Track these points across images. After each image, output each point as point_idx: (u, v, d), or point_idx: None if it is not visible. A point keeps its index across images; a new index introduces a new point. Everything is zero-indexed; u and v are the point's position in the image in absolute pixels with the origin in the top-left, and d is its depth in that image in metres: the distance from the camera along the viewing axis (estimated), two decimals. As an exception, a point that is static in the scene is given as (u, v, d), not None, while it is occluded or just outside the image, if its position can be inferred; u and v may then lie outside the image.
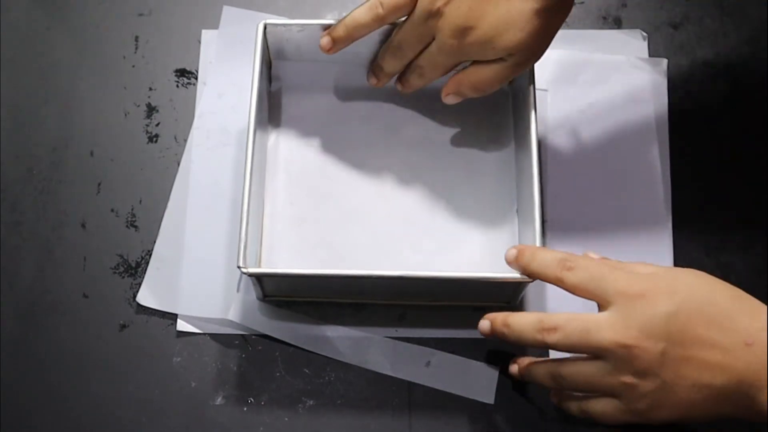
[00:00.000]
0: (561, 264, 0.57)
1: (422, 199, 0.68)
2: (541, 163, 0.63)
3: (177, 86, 0.73)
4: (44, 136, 0.71)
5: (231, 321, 0.64)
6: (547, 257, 0.58)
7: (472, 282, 0.61)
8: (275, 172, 0.69)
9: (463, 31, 0.61)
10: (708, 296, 0.54)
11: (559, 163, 0.70)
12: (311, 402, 0.64)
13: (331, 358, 0.64)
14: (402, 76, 0.67)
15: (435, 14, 0.61)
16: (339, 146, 0.70)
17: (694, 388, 0.53)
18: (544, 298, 0.65)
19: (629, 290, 0.54)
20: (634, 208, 0.68)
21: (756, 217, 0.68)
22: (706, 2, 0.76)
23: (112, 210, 0.69)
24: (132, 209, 0.69)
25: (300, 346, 0.65)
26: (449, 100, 0.66)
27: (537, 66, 0.65)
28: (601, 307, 0.55)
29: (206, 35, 0.74)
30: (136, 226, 0.69)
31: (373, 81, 0.69)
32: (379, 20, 0.63)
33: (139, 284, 0.67)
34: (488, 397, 0.63)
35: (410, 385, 0.64)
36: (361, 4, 0.64)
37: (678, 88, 0.72)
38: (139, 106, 0.72)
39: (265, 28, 0.67)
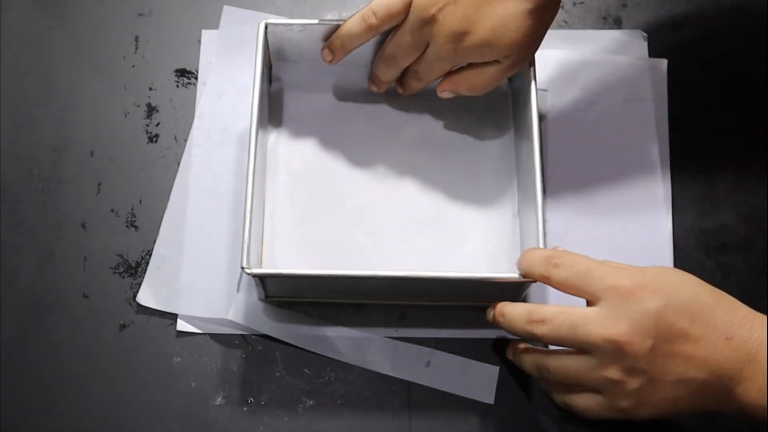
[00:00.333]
0: (547, 261, 0.57)
1: (423, 198, 0.68)
2: (543, 162, 0.63)
3: (177, 86, 0.73)
4: (44, 136, 0.71)
5: (231, 321, 0.64)
6: (536, 255, 0.59)
7: (472, 282, 0.61)
8: (276, 172, 0.69)
9: (459, 37, 0.61)
10: (691, 293, 0.54)
11: (558, 163, 0.70)
12: (311, 402, 0.64)
13: (331, 358, 0.64)
14: (401, 80, 0.68)
15: (429, 21, 0.61)
16: (339, 146, 0.70)
17: (679, 384, 0.53)
18: (546, 299, 0.65)
19: (618, 286, 0.54)
20: (634, 208, 0.68)
21: (756, 217, 0.68)
22: (706, 2, 0.76)
23: (112, 210, 0.69)
24: (132, 209, 0.69)
25: (300, 346, 0.65)
26: (444, 95, 0.67)
27: (537, 66, 0.65)
28: (590, 303, 0.56)
29: (206, 35, 0.74)
30: (136, 226, 0.69)
31: (374, 88, 0.69)
32: (372, 30, 0.64)
33: (139, 284, 0.67)
34: (488, 397, 0.63)
35: (410, 385, 0.64)
36: (354, 13, 0.64)
37: (678, 88, 0.72)
38: (139, 106, 0.72)
39: (266, 28, 0.67)
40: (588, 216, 0.68)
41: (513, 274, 0.60)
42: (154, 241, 0.68)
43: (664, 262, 0.66)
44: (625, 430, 0.61)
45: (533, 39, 0.62)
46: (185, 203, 0.69)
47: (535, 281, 0.59)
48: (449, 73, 0.65)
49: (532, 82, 0.65)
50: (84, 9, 0.76)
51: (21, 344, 0.65)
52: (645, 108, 0.71)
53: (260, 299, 0.65)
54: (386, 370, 0.64)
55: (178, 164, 0.70)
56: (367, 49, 0.67)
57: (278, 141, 0.70)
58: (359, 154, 0.70)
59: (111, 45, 0.74)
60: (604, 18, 0.75)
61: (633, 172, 0.69)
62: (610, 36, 0.74)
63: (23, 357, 0.65)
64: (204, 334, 0.65)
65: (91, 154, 0.71)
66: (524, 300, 0.65)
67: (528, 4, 0.60)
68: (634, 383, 0.54)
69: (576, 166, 0.70)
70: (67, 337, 0.65)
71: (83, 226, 0.69)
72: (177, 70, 0.74)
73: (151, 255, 0.67)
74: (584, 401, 0.58)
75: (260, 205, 0.66)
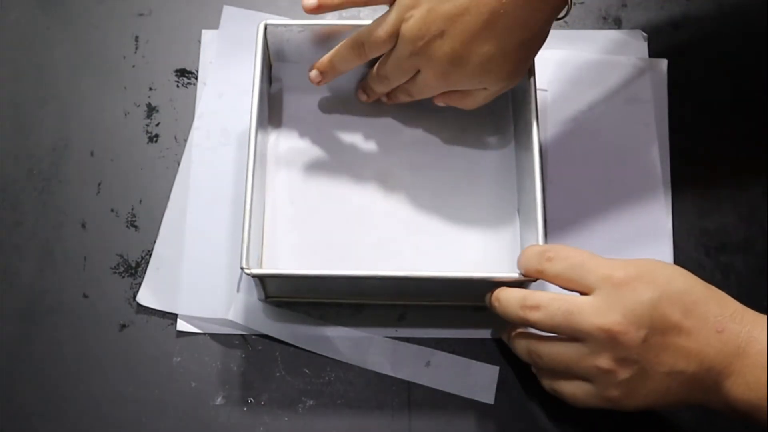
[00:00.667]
0: (540, 255, 0.58)
1: (423, 199, 0.68)
2: (543, 162, 0.64)
3: (177, 86, 0.73)
4: (44, 136, 0.71)
5: (231, 321, 0.64)
6: (530, 250, 0.59)
7: (472, 282, 0.61)
8: (276, 172, 0.69)
9: (447, 70, 0.62)
10: (684, 285, 0.55)
11: (558, 163, 0.70)
12: (311, 402, 0.64)
13: (331, 358, 0.64)
14: (389, 93, 0.68)
15: (417, 53, 0.62)
16: (339, 146, 0.70)
17: (670, 376, 0.53)
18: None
19: (612, 276, 0.54)
20: (634, 208, 0.68)
21: (756, 217, 0.68)
22: (706, 2, 0.76)
23: (112, 210, 0.69)
24: (132, 209, 0.69)
25: (300, 346, 0.65)
26: (440, 104, 0.67)
27: (537, 66, 0.65)
28: (584, 294, 0.56)
29: (206, 35, 0.74)
30: (136, 226, 0.69)
31: (364, 98, 0.70)
32: (361, 57, 0.65)
33: (139, 284, 0.67)
34: (488, 397, 0.63)
35: (410, 385, 0.64)
36: (346, 40, 0.65)
37: (678, 88, 0.72)
38: (139, 106, 0.72)
39: (265, 28, 0.67)
40: (588, 216, 0.68)
41: (513, 274, 0.60)
42: (154, 241, 0.68)
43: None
44: (625, 429, 0.61)
45: (523, 66, 0.63)
46: (185, 203, 0.69)
47: (535, 280, 0.59)
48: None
49: (532, 83, 0.65)
50: (84, 9, 0.76)
51: (21, 344, 0.65)
52: (645, 108, 0.71)
53: (260, 299, 0.65)
54: (386, 370, 0.64)
55: (178, 164, 0.70)
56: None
57: (278, 141, 0.70)
58: (359, 155, 0.70)
59: (111, 45, 0.75)
60: (604, 18, 0.75)
61: (633, 172, 0.69)
62: (610, 36, 0.74)
63: (23, 357, 0.65)
64: (204, 334, 0.65)
65: (91, 154, 0.71)
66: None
67: (514, 39, 0.60)
68: (624, 373, 0.54)
69: (576, 167, 0.70)
70: (67, 337, 0.65)
71: (83, 226, 0.69)
72: (177, 70, 0.74)
73: (151, 255, 0.67)
74: (573, 388, 0.57)
75: (260, 205, 0.66)
